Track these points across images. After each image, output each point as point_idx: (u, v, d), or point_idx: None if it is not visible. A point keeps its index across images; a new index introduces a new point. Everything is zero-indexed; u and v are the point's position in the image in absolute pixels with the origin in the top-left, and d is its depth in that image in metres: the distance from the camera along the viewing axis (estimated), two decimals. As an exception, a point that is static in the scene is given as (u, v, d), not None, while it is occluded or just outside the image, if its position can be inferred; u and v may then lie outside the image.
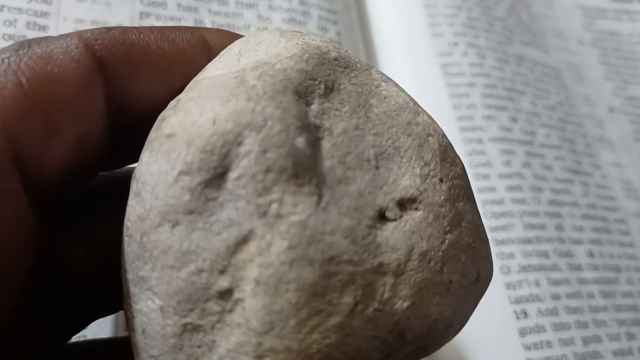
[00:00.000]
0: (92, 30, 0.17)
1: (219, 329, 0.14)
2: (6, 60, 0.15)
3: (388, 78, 0.18)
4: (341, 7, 0.40)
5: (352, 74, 0.17)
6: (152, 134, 0.15)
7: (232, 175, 0.14)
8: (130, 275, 0.15)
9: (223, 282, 0.14)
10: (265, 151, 0.14)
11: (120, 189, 0.17)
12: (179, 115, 0.15)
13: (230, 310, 0.14)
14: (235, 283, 0.14)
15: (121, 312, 0.26)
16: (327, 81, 0.16)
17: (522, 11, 0.48)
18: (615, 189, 0.41)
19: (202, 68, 0.18)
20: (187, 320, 0.14)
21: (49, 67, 0.15)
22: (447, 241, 0.16)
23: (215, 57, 0.18)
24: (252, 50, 0.17)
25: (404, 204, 0.16)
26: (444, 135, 0.17)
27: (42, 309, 0.17)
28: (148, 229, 0.14)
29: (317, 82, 0.16)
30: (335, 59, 0.17)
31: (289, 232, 0.14)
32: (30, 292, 0.16)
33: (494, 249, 0.33)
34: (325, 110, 0.16)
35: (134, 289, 0.15)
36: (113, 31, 0.17)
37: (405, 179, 0.16)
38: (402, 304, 0.15)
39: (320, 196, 0.14)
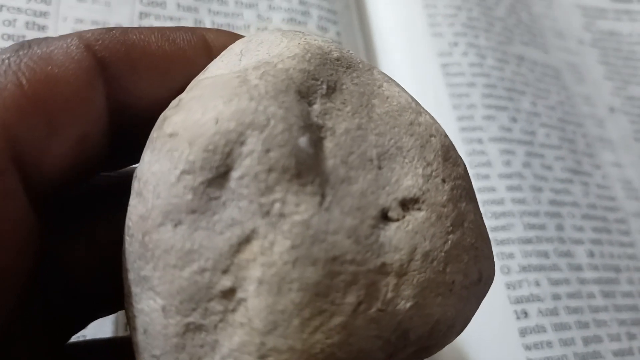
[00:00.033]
0: (93, 31, 0.17)
1: (221, 328, 0.14)
2: (6, 61, 0.15)
3: (390, 78, 0.18)
4: (341, 7, 0.40)
5: (354, 74, 0.17)
6: (154, 134, 0.15)
7: (234, 174, 0.14)
8: (131, 275, 0.15)
9: (226, 282, 0.14)
10: (268, 150, 0.14)
11: (120, 189, 0.17)
12: (181, 114, 0.15)
13: (233, 310, 0.14)
14: (238, 283, 0.14)
15: (121, 312, 0.26)
16: (330, 81, 0.16)
17: (522, 11, 0.48)
18: (615, 189, 0.41)
19: (203, 68, 0.18)
20: (190, 319, 0.14)
21: (50, 68, 0.15)
22: (449, 241, 0.16)
23: (215, 57, 0.18)
24: (253, 50, 0.17)
25: (407, 204, 0.16)
26: (446, 136, 0.17)
27: (42, 309, 0.17)
28: (150, 228, 0.14)
29: (319, 82, 0.16)
30: (338, 59, 0.17)
31: (291, 231, 0.14)
32: (30, 292, 0.16)
33: (494, 249, 0.33)
34: (327, 110, 0.16)
35: (135, 289, 0.15)
36: (114, 31, 0.17)
37: (408, 179, 0.16)
38: (405, 304, 0.15)
39: (323, 196, 0.14)
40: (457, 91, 0.40)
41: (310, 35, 0.17)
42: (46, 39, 0.16)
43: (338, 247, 0.14)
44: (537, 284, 0.33)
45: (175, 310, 0.14)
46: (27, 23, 0.30)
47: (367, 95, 0.17)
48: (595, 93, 0.47)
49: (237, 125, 0.14)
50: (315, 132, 0.15)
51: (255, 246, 0.14)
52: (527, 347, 0.31)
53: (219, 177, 0.14)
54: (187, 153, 0.14)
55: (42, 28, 0.31)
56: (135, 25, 0.33)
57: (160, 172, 0.14)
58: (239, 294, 0.14)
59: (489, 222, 0.35)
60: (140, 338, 0.15)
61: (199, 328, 0.14)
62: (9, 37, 0.30)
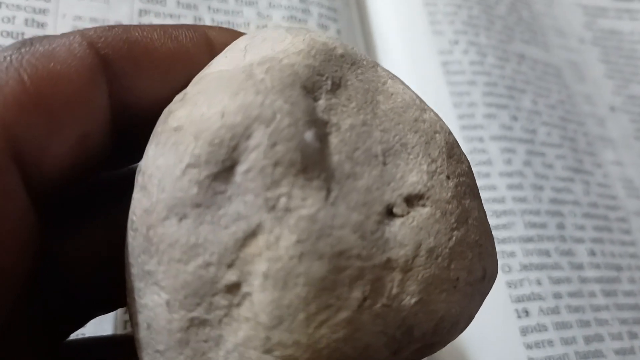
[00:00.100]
0: (95, 29, 0.17)
1: (226, 323, 0.14)
2: (8, 58, 0.15)
3: (394, 75, 0.18)
4: (341, 5, 0.40)
5: (359, 71, 0.17)
6: (158, 128, 0.15)
7: (240, 168, 0.14)
8: (135, 270, 0.15)
9: (231, 276, 0.14)
10: (274, 144, 0.14)
11: (121, 189, 0.17)
12: (187, 108, 0.14)
13: (238, 305, 0.14)
14: (243, 277, 0.14)
15: (121, 310, 0.26)
16: (334, 77, 0.16)
17: (522, 9, 0.48)
18: (616, 187, 0.41)
19: (205, 66, 0.17)
20: (194, 314, 0.14)
21: (52, 65, 0.15)
22: (454, 238, 0.16)
23: (218, 54, 0.18)
24: (257, 47, 0.17)
25: (412, 200, 0.16)
26: (450, 133, 0.17)
27: (41, 308, 0.17)
28: (154, 222, 0.14)
29: (324, 78, 0.16)
30: (342, 56, 0.17)
31: (298, 226, 0.14)
32: (30, 292, 0.16)
33: (495, 248, 0.33)
34: (332, 106, 0.16)
35: (139, 284, 0.15)
36: (116, 29, 0.17)
37: (413, 175, 0.16)
38: (410, 300, 0.15)
39: (328, 190, 0.14)
40: (458, 89, 0.40)
41: (314, 32, 0.17)
42: (48, 36, 0.16)
43: (344, 242, 0.14)
44: (539, 282, 0.33)
45: (180, 304, 0.14)
46: (26, 20, 0.30)
47: (372, 91, 0.17)
48: (596, 92, 0.47)
49: (243, 119, 0.14)
50: (321, 128, 0.15)
51: (260, 240, 0.14)
52: (528, 346, 0.31)
53: (225, 171, 0.14)
54: (192, 147, 0.14)
55: (42, 25, 0.31)
56: (135, 22, 0.33)
57: (165, 165, 0.14)
58: (244, 289, 0.14)
59: (490, 221, 0.35)
60: (144, 333, 0.15)
61: (203, 323, 0.14)
62: (8, 34, 0.30)
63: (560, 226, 0.36)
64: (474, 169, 0.18)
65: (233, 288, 0.14)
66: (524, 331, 0.32)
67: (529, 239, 0.35)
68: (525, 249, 0.34)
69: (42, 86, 0.15)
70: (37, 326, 0.17)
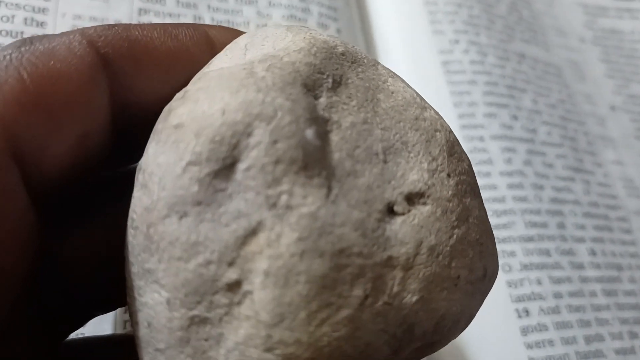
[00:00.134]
0: (95, 27, 0.17)
1: (227, 321, 0.14)
2: (7, 57, 0.15)
3: (394, 74, 0.18)
4: (341, 4, 0.40)
5: (359, 69, 0.17)
6: (159, 125, 0.15)
7: (241, 166, 0.14)
8: (135, 268, 0.15)
9: (231, 274, 0.14)
10: (275, 142, 0.14)
11: (120, 189, 0.17)
12: (188, 106, 0.14)
13: (239, 303, 0.14)
14: (243, 275, 0.14)
15: (120, 310, 0.26)
16: (335, 75, 0.16)
17: (523, 9, 0.48)
18: (617, 187, 0.41)
19: (205, 65, 0.17)
20: (195, 312, 0.14)
21: (52, 63, 0.15)
22: (455, 236, 0.16)
23: (218, 53, 0.18)
24: (258, 45, 0.17)
25: (412, 199, 0.16)
26: (450, 131, 0.17)
27: (41, 307, 0.17)
28: (155, 220, 0.14)
29: (325, 76, 0.16)
30: (343, 54, 0.17)
31: (299, 223, 0.14)
32: (30, 291, 0.16)
33: (495, 247, 0.33)
34: (333, 103, 0.16)
35: (139, 282, 0.15)
36: (116, 28, 0.17)
37: (413, 173, 0.16)
38: (411, 298, 0.15)
39: (329, 188, 0.14)
40: (458, 89, 0.40)
41: (315, 30, 0.17)
42: (48, 35, 0.16)
43: (345, 239, 0.14)
44: (539, 282, 0.33)
45: (180, 303, 0.14)
46: (25, 19, 0.30)
47: (372, 89, 0.17)
48: (596, 91, 0.47)
49: (244, 116, 0.14)
50: (322, 126, 0.15)
51: (261, 238, 0.14)
52: (529, 346, 0.31)
53: (226, 168, 0.14)
54: (193, 144, 0.14)
55: (41, 24, 0.31)
56: (135, 21, 0.33)
57: (165, 163, 0.14)
58: (245, 287, 0.14)
59: (490, 220, 0.35)
60: (144, 332, 0.15)
61: (204, 321, 0.14)
62: (8, 33, 0.30)
63: (561, 225, 0.36)
64: (474, 169, 0.18)
65: (234, 286, 0.14)
66: (525, 331, 0.32)
67: (530, 239, 0.35)
68: (525, 248, 0.34)
69: (42, 85, 0.15)
70: (37, 326, 0.17)
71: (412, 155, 0.16)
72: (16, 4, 0.30)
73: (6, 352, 0.15)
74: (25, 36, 0.29)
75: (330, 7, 0.39)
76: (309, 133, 0.14)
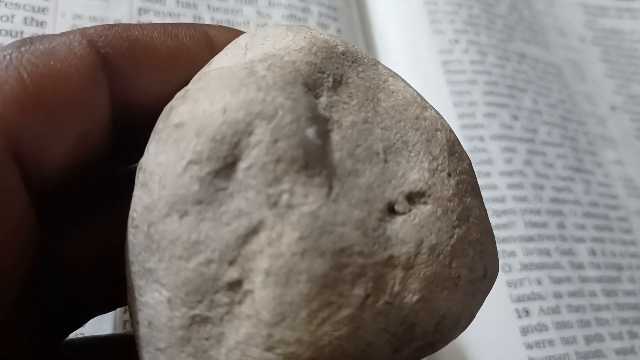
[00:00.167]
0: (95, 27, 0.17)
1: (227, 320, 0.14)
2: (7, 57, 0.15)
3: (395, 73, 0.18)
4: (341, 4, 0.40)
5: (360, 69, 0.17)
6: (160, 124, 0.15)
7: (242, 165, 0.14)
8: (135, 268, 0.15)
9: (232, 273, 0.14)
10: (276, 141, 0.14)
11: (120, 189, 0.17)
12: (189, 105, 0.14)
13: (240, 302, 0.14)
14: (244, 274, 0.14)
15: (120, 310, 0.26)
16: (336, 74, 0.16)
17: (523, 8, 0.48)
18: (617, 187, 0.41)
19: (206, 65, 0.17)
20: (196, 312, 0.14)
21: (52, 63, 0.15)
22: (455, 235, 0.16)
23: (218, 53, 0.18)
24: (259, 44, 0.17)
25: (413, 198, 0.16)
26: (451, 131, 0.17)
27: (41, 307, 0.17)
28: (155, 219, 0.14)
29: (325, 75, 0.16)
30: (343, 53, 0.17)
31: (300, 222, 0.14)
32: (30, 291, 0.16)
33: (494, 247, 0.33)
34: (333, 103, 0.16)
35: (139, 282, 0.15)
36: (116, 28, 0.17)
37: (414, 173, 0.16)
38: (411, 298, 0.15)
39: (330, 187, 0.14)
40: (458, 89, 0.40)
41: (315, 30, 0.17)
42: (48, 35, 0.16)
43: (346, 238, 0.14)
44: (539, 282, 0.33)
45: (181, 302, 0.14)
46: (25, 19, 0.30)
47: (373, 89, 0.17)
48: (596, 91, 0.47)
49: (245, 115, 0.14)
50: (322, 125, 0.15)
51: (262, 237, 0.14)
52: (529, 346, 0.31)
53: (226, 167, 0.14)
54: (194, 143, 0.14)
55: (41, 24, 0.31)
56: (134, 21, 0.33)
57: (166, 162, 0.14)
58: (246, 286, 0.14)
59: (490, 220, 0.35)
60: (144, 331, 0.15)
61: (204, 320, 0.14)
62: (7, 32, 0.30)
63: (561, 225, 0.36)
64: (474, 168, 0.18)
65: (234, 285, 0.14)
66: (524, 331, 0.32)
67: (530, 239, 0.35)
68: (525, 248, 0.34)
69: (42, 85, 0.15)
70: (37, 326, 0.17)
71: (412, 154, 0.16)
72: (16, 4, 0.30)
73: (6, 352, 0.15)
74: (25, 36, 0.29)
75: (330, 7, 0.39)
76: (310, 132, 0.14)
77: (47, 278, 0.17)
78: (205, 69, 0.17)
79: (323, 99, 0.16)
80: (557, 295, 0.33)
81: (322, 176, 0.14)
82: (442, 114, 0.18)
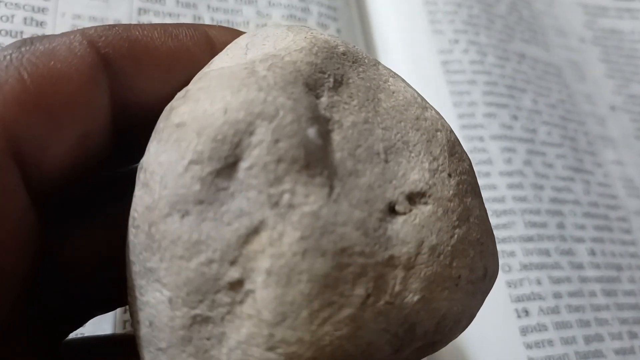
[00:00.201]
0: (95, 28, 0.17)
1: (229, 320, 0.14)
2: (8, 57, 0.15)
3: (395, 73, 0.18)
4: (341, 4, 0.40)
5: (360, 69, 0.17)
6: (160, 124, 0.15)
7: (243, 164, 0.14)
8: (136, 267, 0.15)
9: (233, 273, 0.14)
10: (277, 141, 0.14)
11: (120, 189, 0.17)
12: (189, 105, 0.14)
13: (241, 302, 0.14)
14: (246, 274, 0.14)
15: (120, 310, 0.26)
16: (336, 75, 0.16)
17: (523, 9, 0.48)
18: (616, 187, 0.41)
19: (206, 65, 0.17)
20: (197, 311, 0.14)
21: (52, 63, 0.15)
22: (456, 236, 0.16)
23: (218, 53, 0.18)
24: (259, 44, 0.17)
25: (414, 198, 0.16)
26: (451, 131, 0.17)
27: (41, 307, 0.17)
28: (157, 219, 0.14)
29: (326, 76, 0.16)
30: (344, 54, 0.17)
31: (301, 222, 0.14)
32: (30, 291, 0.16)
33: (494, 247, 0.34)
34: (334, 103, 0.16)
35: (140, 281, 0.15)
36: (116, 28, 0.17)
37: (415, 173, 0.16)
38: (412, 298, 0.15)
39: (331, 187, 0.14)
40: (458, 89, 0.40)
41: (316, 30, 0.17)
42: (48, 36, 0.16)
43: (347, 238, 0.14)
44: (538, 282, 0.33)
45: (182, 302, 0.14)
46: (25, 19, 0.30)
47: (373, 89, 0.17)
48: (596, 91, 0.47)
49: (246, 115, 0.14)
50: (323, 125, 0.15)
51: (263, 237, 0.14)
52: (528, 346, 0.31)
53: (228, 167, 0.14)
54: (195, 143, 0.14)
55: (41, 24, 0.31)
56: (134, 21, 0.33)
57: (167, 162, 0.14)
58: (247, 286, 0.14)
59: (490, 220, 0.35)
60: (145, 331, 0.15)
61: (206, 320, 0.14)
62: (7, 32, 0.30)
63: (561, 225, 0.36)
64: (474, 168, 0.18)
65: (236, 285, 0.14)
66: (524, 331, 0.32)
67: (529, 239, 0.35)
68: (525, 248, 0.34)
69: (42, 85, 0.15)
70: (37, 326, 0.17)
71: (413, 155, 0.16)
72: (16, 4, 0.30)
73: (6, 352, 0.15)
74: (25, 36, 0.29)
75: (330, 7, 0.39)
76: (311, 132, 0.14)
77: (47, 278, 0.17)
78: (205, 69, 0.17)
79: (324, 99, 0.16)
80: (557, 295, 0.33)
81: (323, 176, 0.14)
82: (442, 114, 0.18)
